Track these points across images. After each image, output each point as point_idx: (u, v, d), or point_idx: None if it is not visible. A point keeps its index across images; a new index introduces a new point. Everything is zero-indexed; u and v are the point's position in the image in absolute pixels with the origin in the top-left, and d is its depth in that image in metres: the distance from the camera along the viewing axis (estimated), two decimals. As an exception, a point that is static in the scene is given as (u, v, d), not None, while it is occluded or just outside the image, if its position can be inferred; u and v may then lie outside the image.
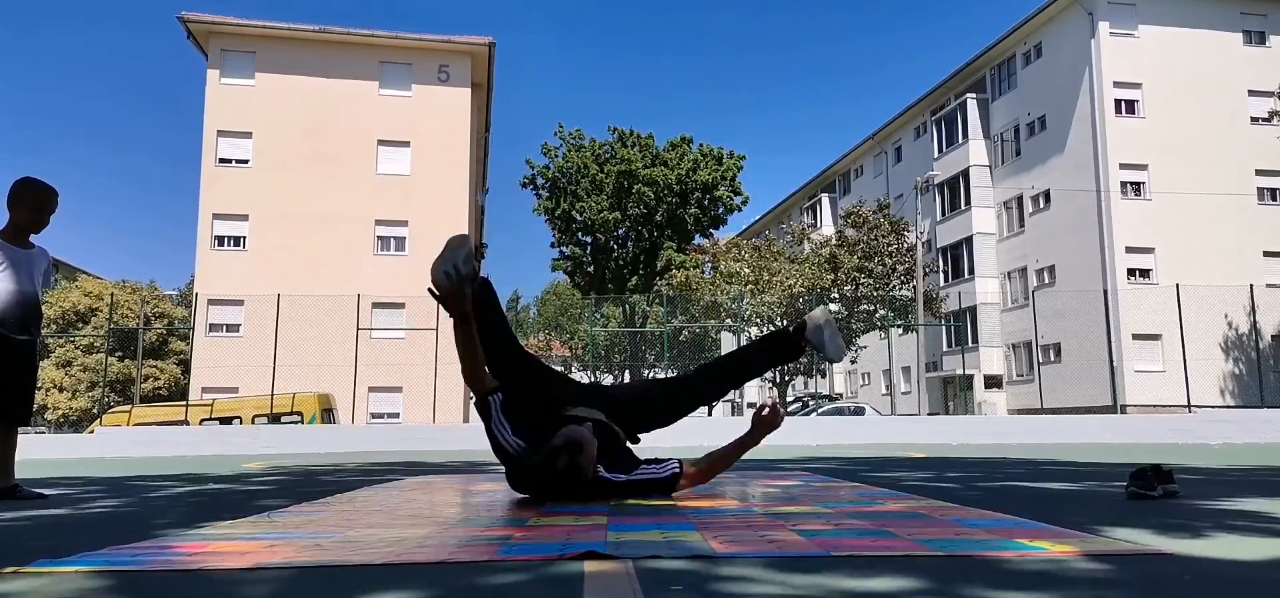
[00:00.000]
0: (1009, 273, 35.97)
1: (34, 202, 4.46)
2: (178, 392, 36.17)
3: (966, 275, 36.92)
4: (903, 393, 39.01)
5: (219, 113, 28.37)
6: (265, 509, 3.40)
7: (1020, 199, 35.55)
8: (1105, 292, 27.00)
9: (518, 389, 3.45)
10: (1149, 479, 3.50)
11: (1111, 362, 21.73)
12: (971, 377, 34.92)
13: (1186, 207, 30.65)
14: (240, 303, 26.27)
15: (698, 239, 39.65)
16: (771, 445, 13.08)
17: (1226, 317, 29.22)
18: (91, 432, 18.59)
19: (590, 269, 40.73)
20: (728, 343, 49.95)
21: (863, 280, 31.02)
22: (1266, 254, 31.08)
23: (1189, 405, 19.11)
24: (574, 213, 40.22)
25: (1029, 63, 35.49)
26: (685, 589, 1.67)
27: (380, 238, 28.69)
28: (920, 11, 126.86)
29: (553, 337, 56.24)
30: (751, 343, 4.06)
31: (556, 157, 40.93)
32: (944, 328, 35.75)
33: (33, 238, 4.57)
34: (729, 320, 32.78)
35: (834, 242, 32.45)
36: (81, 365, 40.08)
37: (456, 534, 2.50)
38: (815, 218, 49.05)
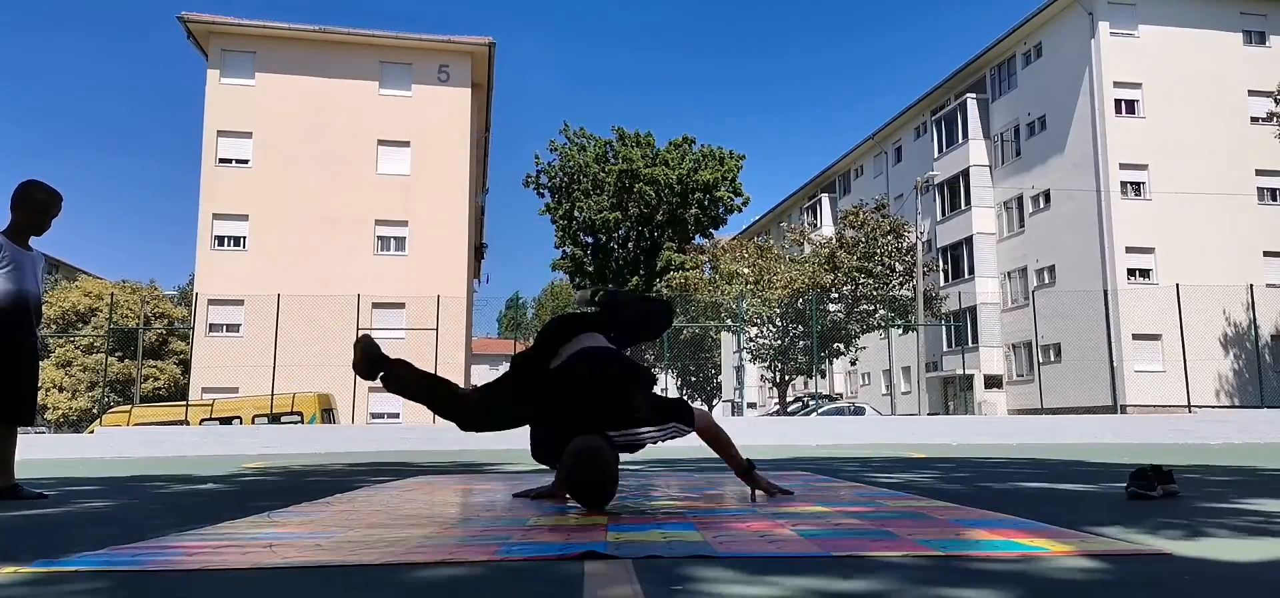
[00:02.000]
0: (1009, 273, 35.96)
1: (37, 204, 4.47)
2: (178, 392, 36.18)
3: (966, 275, 36.91)
4: (903, 393, 39.00)
5: (219, 113, 28.37)
6: (265, 509, 3.40)
7: (1020, 199, 35.54)
8: (1105, 292, 27.00)
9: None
10: (1149, 479, 3.50)
11: (1111, 362, 21.72)
12: (971, 377, 34.90)
13: (1186, 207, 30.65)
14: (240, 303, 26.28)
15: (698, 239, 39.67)
16: (772, 445, 13.09)
17: (1226, 316, 29.23)
18: (91, 432, 18.59)
19: (591, 269, 40.75)
20: (728, 343, 49.98)
21: (862, 280, 31.01)
22: (1266, 254, 31.07)
23: (1189, 405, 19.11)
24: (575, 213, 40.27)
25: (1029, 63, 35.49)
26: (685, 589, 1.67)
27: (380, 238, 28.69)
28: (920, 12, 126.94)
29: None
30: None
31: (563, 154, 41.01)
32: (944, 328, 35.74)
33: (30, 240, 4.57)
34: (729, 320, 32.78)
35: (833, 242, 32.45)
36: (81, 365, 40.08)
37: (456, 534, 2.50)
38: (815, 218, 49.05)
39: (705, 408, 4.41)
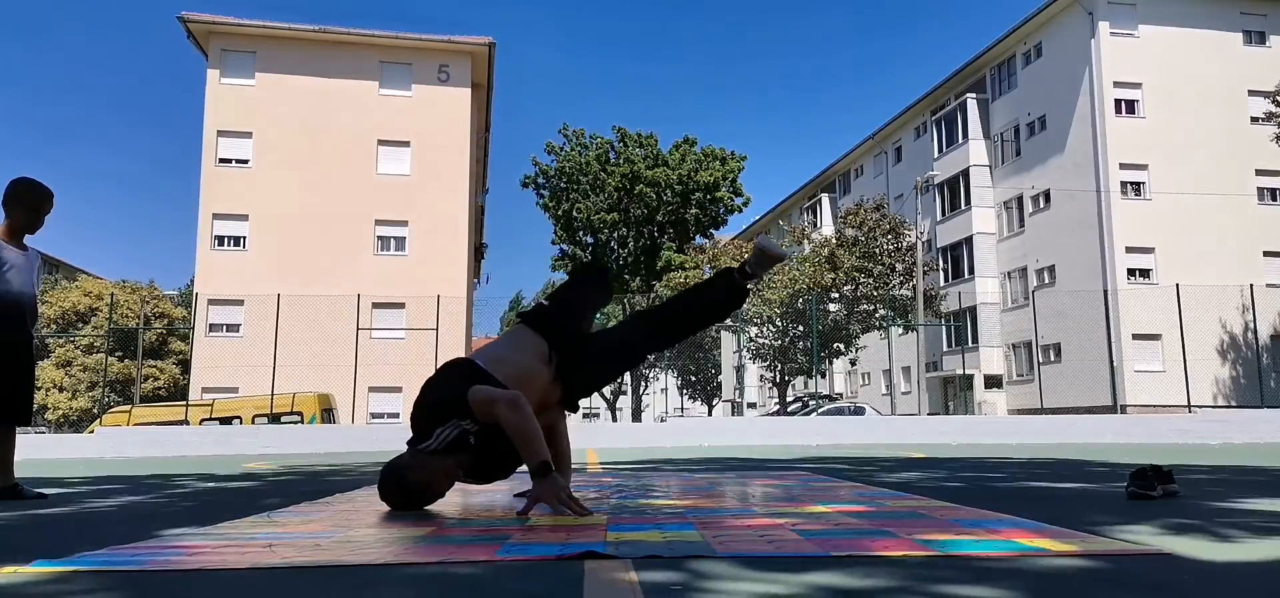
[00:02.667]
0: (1009, 273, 35.97)
1: (30, 202, 4.46)
2: (178, 392, 36.17)
3: (966, 275, 36.92)
4: (903, 393, 39.00)
5: (219, 113, 28.38)
6: (265, 509, 3.40)
7: (1020, 199, 35.55)
8: (1105, 292, 27.00)
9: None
10: (1149, 479, 3.50)
11: (1111, 362, 21.72)
12: (971, 377, 34.90)
13: (1186, 207, 30.66)
14: (240, 303, 26.28)
15: (697, 240, 39.65)
16: (772, 445, 13.08)
17: (1226, 317, 29.23)
18: (91, 432, 18.59)
19: (591, 270, 40.73)
20: (727, 343, 49.97)
21: (862, 280, 31.01)
22: (1266, 254, 31.07)
23: (1189, 405, 19.11)
24: (574, 213, 40.26)
25: (1029, 63, 35.49)
26: (685, 589, 1.67)
27: (380, 238, 28.70)
28: (920, 15, 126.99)
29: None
30: (690, 291, 3.81)
31: (561, 155, 41.00)
32: (944, 328, 35.75)
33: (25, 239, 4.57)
34: (729, 320, 32.76)
35: (833, 242, 32.44)
36: (81, 365, 40.08)
37: (456, 534, 2.50)
38: (815, 218, 49.05)
39: (515, 394, 2.94)
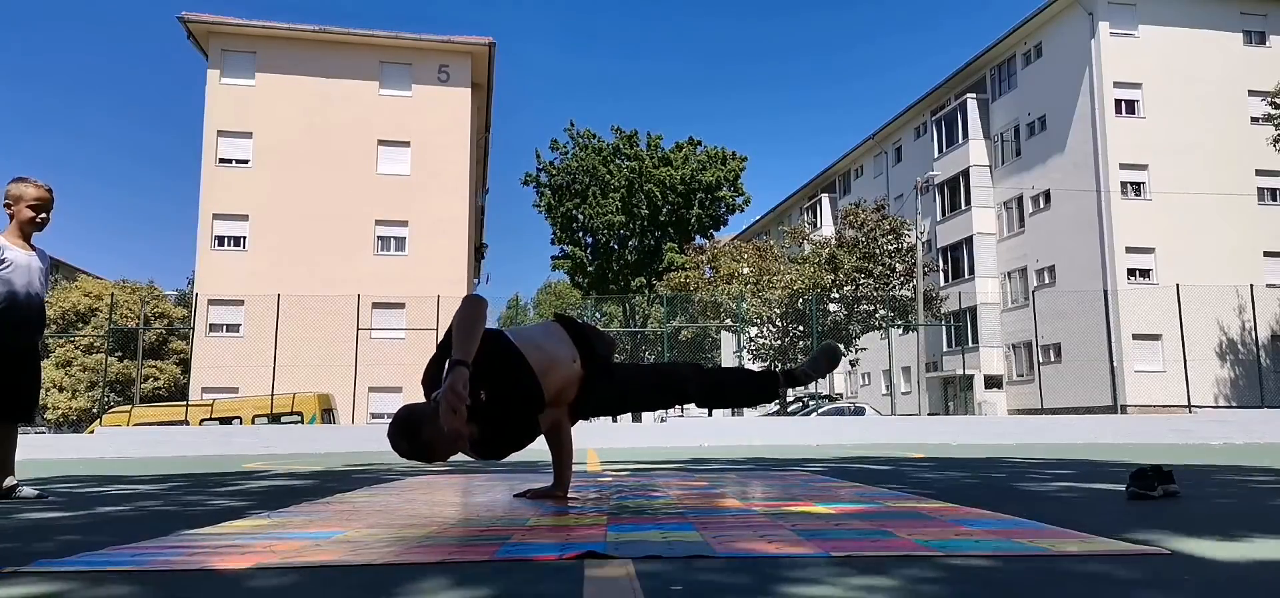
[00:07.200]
0: (1009, 273, 35.97)
1: (31, 201, 4.45)
2: (178, 392, 36.18)
3: (966, 275, 36.91)
4: (903, 393, 38.99)
5: (219, 113, 28.39)
6: (265, 509, 3.40)
7: (1020, 199, 35.54)
8: (1105, 292, 27.01)
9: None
10: (1149, 479, 3.50)
11: (1111, 362, 21.73)
12: (971, 377, 34.89)
13: (1186, 207, 30.65)
14: (240, 303, 26.29)
15: (698, 239, 39.69)
16: (772, 445, 13.08)
17: (1226, 317, 29.23)
18: (91, 432, 18.58)
19: (591, 269, 40.77)
20: (727, 343, 49.97)
21: (862, 280, 31.00)
22: (1266, 254, 31.07)
23: (1189, 406, 19.11)
24: (576, 214, 40.24)
25: (1029, 63, 35.49)
26: (685, 589, 1.67)
27: (380, 238, 28.70)
28: (920, 15, 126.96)
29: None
30: (743, 373, 3.82)
31: (566, 154, 40.99)
32: (944, 328, 35.74)
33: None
34: (729, 320, 32.76)
35: (833, 242, 32.43)
36: (81, 365, 40.08)
37: (456, 534, 2.50)
38: (815, 218, 49.04)
39: (477, 296, 3.21)
